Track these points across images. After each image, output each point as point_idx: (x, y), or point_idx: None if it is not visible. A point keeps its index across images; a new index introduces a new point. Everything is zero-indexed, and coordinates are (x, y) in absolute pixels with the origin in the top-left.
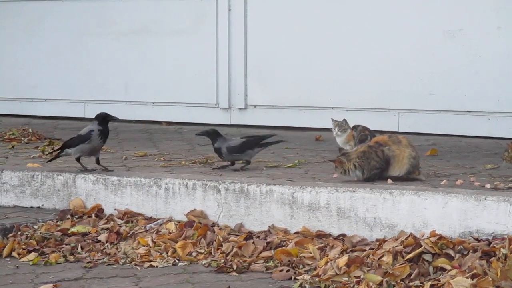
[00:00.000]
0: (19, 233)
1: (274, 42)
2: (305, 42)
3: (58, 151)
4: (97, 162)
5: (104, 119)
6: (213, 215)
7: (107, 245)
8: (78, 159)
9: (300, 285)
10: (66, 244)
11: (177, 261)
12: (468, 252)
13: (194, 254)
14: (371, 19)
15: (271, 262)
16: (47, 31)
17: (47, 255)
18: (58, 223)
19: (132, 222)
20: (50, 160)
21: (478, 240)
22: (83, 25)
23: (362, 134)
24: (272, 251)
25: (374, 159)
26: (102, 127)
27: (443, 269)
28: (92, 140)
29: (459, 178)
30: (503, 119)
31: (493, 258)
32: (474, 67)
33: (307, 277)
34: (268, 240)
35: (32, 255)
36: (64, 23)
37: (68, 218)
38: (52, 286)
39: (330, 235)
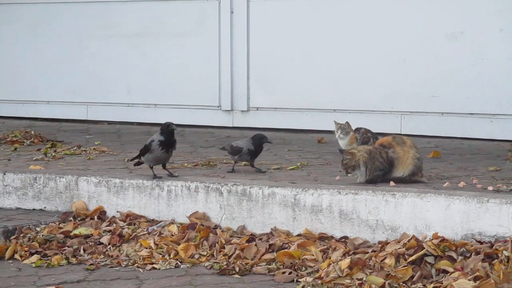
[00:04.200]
0: (21, 235)
1: (277, 44)
2: (307, 45)
3: (138, 158)
4: (163, 167)
5: (167, 128)
6: (215, 217)
7: (110, 248)
8: (151, 167)
9: (303, 287)
10: (68, 246)
11: (179, 263)
12: (471, 254)
13: (196, 256)
14: (373, 21)
15: (274, 264)
16: (50, 33)
17: (49, 257)
18: (61, 225)
19: (134, 224)
20: (136, 164)
21: (481, 243)
22: (86, 28)
23: (365, 136)
24: (275, 253)
25: (378, 160)
26: (163, 138)
27: (445, 272)
28: (153, 150)
29: (461, 180)
30: (506, 121)
31: (496, 260)
32: (476, 69)
33: (309, 279)
34: (271, 242)
35: (34, 258)
36: (67, 26)
37: (71, 220)
38: None
39: (332, 237)
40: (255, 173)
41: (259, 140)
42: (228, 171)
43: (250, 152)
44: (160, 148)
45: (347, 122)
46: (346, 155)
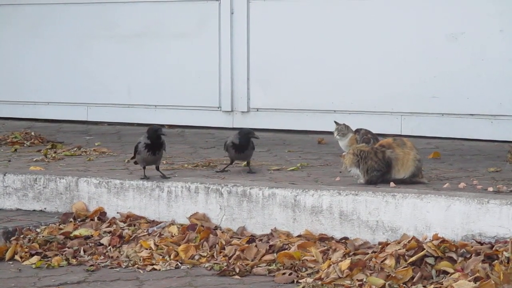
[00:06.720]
0: (21, 236)
1: (277, 45)
2: (307, 45)
3: (134, 157)
4: (157, 168)
5: (154, 132)
6: (215, 218)
7: (110, 249)
8: (143, 168)
9: None
10: (68, 248)
11: (179, 264)
12: (471, 255)
13: (196, 257)
14: (374, 22)
15: (274, 265)
16: (50, 34)
17: (49, 259)
18: (61, 226)
19: (134, 225)
20: (135, 163)
21: (481, 243)
22: (86, 28)
23: (365, 137)
24: (275, 254)
25: (373, 159)
26: (149, 141)
27: (445, 272)
28: (140, 152)
29: (461, 181)
30: (506, 122)
31: (496, 261)
32: (476, 70)
33: (309, 280)
34: (271, 243)
35: (34, 259)
36: (67, 26)
37: (71, 221)
38: None
39: (332, 238)
40: (253, 174)
41: (245, 135)
42: (217, 171)
43: (234, 145)
44: (146, 150)
45: (344, 124)
46: (341, 158)
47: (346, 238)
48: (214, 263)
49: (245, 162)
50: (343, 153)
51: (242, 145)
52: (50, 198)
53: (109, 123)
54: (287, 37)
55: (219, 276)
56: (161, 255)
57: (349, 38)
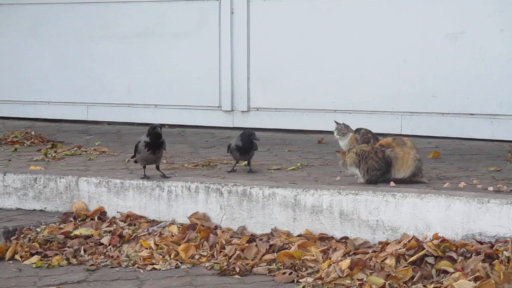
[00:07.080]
0: (21, 236)
1: (277, 44)
2: (307, 45)
3: (134, 156)
4: (157, 168)
5: (152, 130)
6: (215, 217)
7: (110, 248)
8: (143, 167)
9: (303, 287)
10: (68, 247)
11: (179, 264)
12: (471, 255)
13: (196, 257)
14: (374, 21)
15: (274, 265)
16: (50, 34)
17: (49, 258)
18: (61, 226)
19: (134, 225)
20: (136, 162)
21: (481, 243)
22: (86, 28)
23: (365, 137)
24: (275, 254)
25: (373, 159)
26: (149, 140)
27: (446, 272)
28: (140, 151)
29: (462, 181)
30: (506, 121)
31: (496, 261)
32: (477, 70)
33: (309, 279)
34: (271, 243)
35: (34, 258)
36: (67, 26)
37: (71, 221)
38: None
39: (332, 238)
40: (253, 174)
41: (247, 137)
42: (227, 171)
43: (238, 148)
44: (146, 149)
45: (343, 123)
46: (339, 155)
47: (346, 238)
48: (214, 263)
49: (246, 162)
50: (341, 150)
51: (246, 148)
52: (50, 198)
53: (109, 123)
54: (287, 37)
55: (219, 276)
56: (161, 254)
57: (350, 38)
